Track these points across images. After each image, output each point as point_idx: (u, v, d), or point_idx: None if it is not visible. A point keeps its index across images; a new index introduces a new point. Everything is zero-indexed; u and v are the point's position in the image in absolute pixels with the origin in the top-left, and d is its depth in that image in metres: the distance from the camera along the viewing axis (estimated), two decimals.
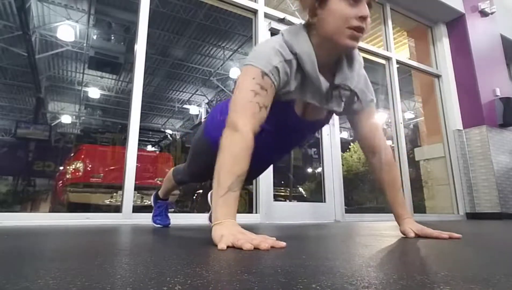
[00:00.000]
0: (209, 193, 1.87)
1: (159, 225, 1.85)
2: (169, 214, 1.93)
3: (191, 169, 1.55)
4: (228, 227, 0.83)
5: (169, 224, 1.88)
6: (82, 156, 4.44)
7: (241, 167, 0.90)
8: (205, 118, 10.72)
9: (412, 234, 1.13)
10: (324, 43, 1.00)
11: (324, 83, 1.04)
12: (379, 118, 1.22)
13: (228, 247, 0.77)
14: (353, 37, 0.96)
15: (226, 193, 0.86)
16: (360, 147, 1.28)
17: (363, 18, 0.94)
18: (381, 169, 1.19)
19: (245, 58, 1.11)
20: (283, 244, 0.82)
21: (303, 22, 1.07)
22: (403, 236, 1.18)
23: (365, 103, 1.16)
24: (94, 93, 10.26)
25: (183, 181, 1.69)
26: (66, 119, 11.60)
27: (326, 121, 1.22)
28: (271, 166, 3.00)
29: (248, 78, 0.98)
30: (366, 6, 0.95)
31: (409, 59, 4.82)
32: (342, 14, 0.94)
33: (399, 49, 5.54)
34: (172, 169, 1.75)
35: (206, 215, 2.06)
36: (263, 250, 0.75)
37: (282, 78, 1.00)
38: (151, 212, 1.94)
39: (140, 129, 2.52)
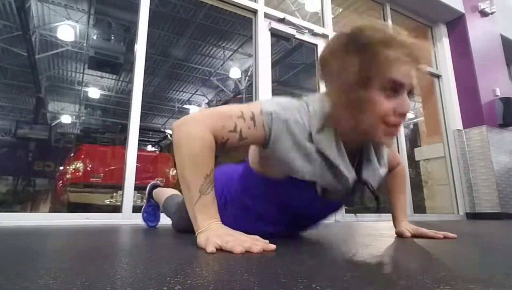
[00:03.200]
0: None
1: (148, 224, 1.80)
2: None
3: (179, 222, 1.40)
4: (213, 230, 0.78)
5: (157, 225, 1.82)
6: (82, 156, 4.45)
7: (206, 167, 0.80)
8: None
9: (408, 234, 1.15)
10: (353, 132, 0.86)
11: (351, 175, 0.89)
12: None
13: (217, 249, 0.72)
14: (389, 134, 0.83)
15: (199, 198, 0.79)
16: None
17: (402, 115, 0.81)
18: (391, 177, 1.22)
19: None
20: (273, 247, 0.76)
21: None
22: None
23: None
24: (94, 93, 10.25)
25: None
26: (66, 119, 11.59)
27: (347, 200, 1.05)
28: None
29: (245, 104, 0.87)
30: (407, 99, 0.81)
31: None
32: (380, 108, 0.79)
33: None
34: (168, 194, 1.61)
35: None
36: (255, 253, 0.71)
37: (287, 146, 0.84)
38: None
39: (140, 129, 2.52)
